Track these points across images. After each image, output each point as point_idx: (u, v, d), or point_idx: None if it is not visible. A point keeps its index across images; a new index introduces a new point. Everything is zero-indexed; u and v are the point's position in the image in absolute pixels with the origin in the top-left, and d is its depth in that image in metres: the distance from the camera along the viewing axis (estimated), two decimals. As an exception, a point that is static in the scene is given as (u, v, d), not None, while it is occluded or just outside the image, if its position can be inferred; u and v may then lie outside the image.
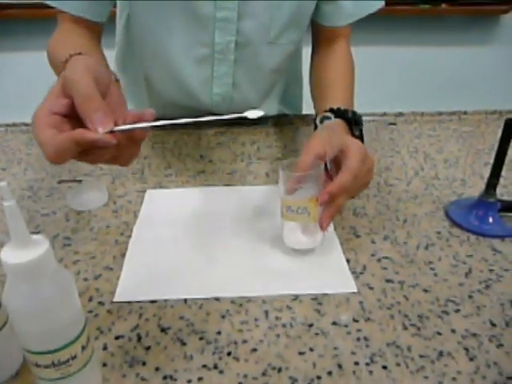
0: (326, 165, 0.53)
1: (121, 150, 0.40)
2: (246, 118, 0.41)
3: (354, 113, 0.62)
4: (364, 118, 0.89)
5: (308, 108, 0.97)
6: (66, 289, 0.32)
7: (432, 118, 0.91)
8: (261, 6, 0.69)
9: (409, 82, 2.07)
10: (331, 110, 0.62)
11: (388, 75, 2.04)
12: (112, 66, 0.89)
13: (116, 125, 0.38)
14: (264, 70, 0.78)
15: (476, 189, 0.67)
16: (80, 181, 0.68)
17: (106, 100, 0.40)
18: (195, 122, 0.40)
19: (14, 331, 0.32)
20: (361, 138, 0.62)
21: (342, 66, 0.75)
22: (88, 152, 0.38)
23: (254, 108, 0.42)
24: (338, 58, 0.76)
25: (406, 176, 0.70)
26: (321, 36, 0.78)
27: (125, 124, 0.39)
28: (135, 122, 0.39)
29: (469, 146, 0.81)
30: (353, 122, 0.61)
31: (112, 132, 0.38)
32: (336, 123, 0.60)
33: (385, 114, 0.91)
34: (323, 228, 0.50)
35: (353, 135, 0.60)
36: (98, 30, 0.69)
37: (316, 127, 0.64)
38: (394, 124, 0.89)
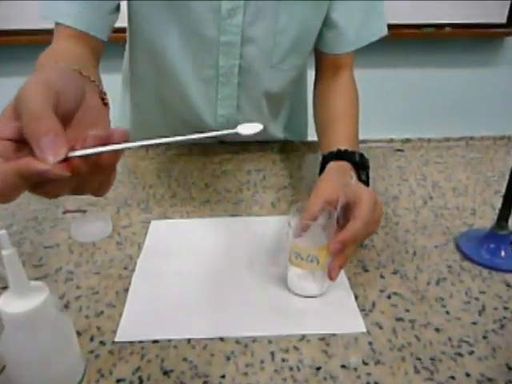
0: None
1: (85, 179, 0.33)
2: (237, 134, 0.36)
3: (362, 155, 0.62)
4: (371, 145, 0.90)
5: (313, 134, 0.97)
6: (66, 337, 0.31)
7: (439, 144, 0.90)
8: (264, 31, 0.69)
9: (414, 104, 2.07)
10: (338, 152, 0.62)
11: (392, 97, 2.05)
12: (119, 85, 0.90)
13: (73, 149, 0.31)
14: (268, 95, 0.78)
15: (487, 219, 0.66)
16: (85, 211, 0.68)
17: (74, 119, 0.34)
18: (170, 142, 0.34)
19: (11, 380, 0.31)
20: (367, 182, 0.61)
21: (346, 100, 0.75)
22: (43, 184, 0.32)
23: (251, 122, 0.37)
24: (342, 90, 0.76)
25: (415, 205, 0.69)
26: (323, 64, 0.78)
27: (85, 147, 0.31)
28: (101, 145, 0.31)
29: (478, 174, 0.79)
30: (360, 166, 0.61)
31: (67, 159, 0.30)
32: (344, 167, 0.60)
33: (392, 141, 0.90)
34: (332, 278, 0.49)
35: (359, 179, 0.60)
36: (98, 49, 0.65)
37: (322, 167, 0.63)
38: (402, 150, 0.88)
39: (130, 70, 0.85)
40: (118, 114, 0.92)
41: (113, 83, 0.92)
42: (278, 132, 0.89)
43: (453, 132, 1.07)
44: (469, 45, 1.98)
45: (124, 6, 0.71)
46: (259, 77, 0.75)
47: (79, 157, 0.31)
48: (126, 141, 0.33)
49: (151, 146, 0.34)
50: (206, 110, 0.78)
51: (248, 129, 0.35)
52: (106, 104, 0.44)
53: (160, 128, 0.86)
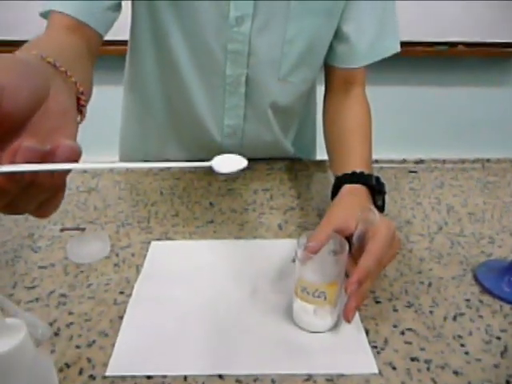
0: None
1: (19, 199, 0.28)
2: (211, 169, 0.30)
3: (378, 179, 0.59)
4: (383, 165, 0.87)
5: (322, 153, 0.94)
6: (45, 381, 0.28)
7: (454, 166, 0.87)
8: (272, 41, 0.67)
9: (426, 123, 2.03)
10: (353, 174, 0.59)
11: (405, 116, 2.02)
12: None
13: None
14: (275, 107, 0.75)
15: (506, 248, 0.62)
16: (83, 229, 0.65)
17: (29, 124, 0.29)
18: (132, 167, 0.30)
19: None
20: (382, 207, 0.58)
21: (358, 117, 0.72)
22: None
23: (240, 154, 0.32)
24: (354, 107, 0.73)
25: (429, 231, 0.66)
26: (334, 79, 0.75)
27: (14, 162, 0.26)
28: (38, 161, 0.26)
29: (495, 198, 0.76)
30: (376, 191, 0.58)
31: None
32: (360, 190, 0.57)
33: (404, 161, 0.87)
34: (349, 321, 0.45)
35: (374, 204, 0.57)
36: (94, 44, 0.60)
37: (335, 189, 0.60)
38: (415, 172, 0.84)
39: (132, 80, 0.82)
40: (124, 124, 0.89)
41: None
42: (288, 148, 0.86)
43: (466, 152, 1.03)
44: (483, 63, 1.96)
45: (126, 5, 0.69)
46: (267, 88, 0.72)
47: (4, 174, 0.25)
48: (75, 159, 0.27)
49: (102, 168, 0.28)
50: (213, 121, 0.76)
51: (227, 165, 0.28)
52: (82, 106, 0.39)
53: (165, 141, 0.84)
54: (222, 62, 0.69)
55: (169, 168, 0.29)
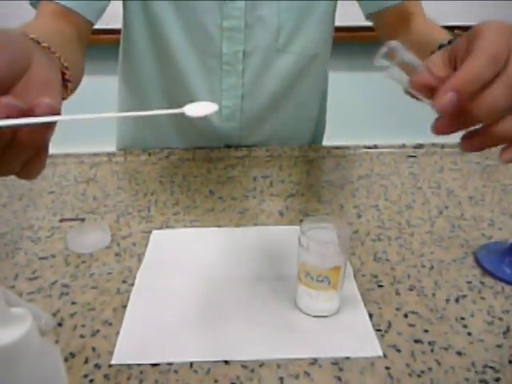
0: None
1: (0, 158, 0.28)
2: (184, 115, 0.30)
3: None
4: (381, 150, 0.86)
5: (327, 140, 0.94)
6: (52, 370, 0.28)
7: (453, 150, 0.87)
8: (268, 10, 0.67)
9: (425, 108, 2.02)
10: (449, 42, 0.47)
11: (403, 101, 2.01)
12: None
13: None
14: (274, 80, 0.75)
15: (506, 231, 0.62)
16: (83, 219, 0.65)
17: (10, 93, 0.28)
18: (99, 117, 0.29)
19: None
20: None
21: (432, 25, 0.61)
22: None
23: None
24: (422, 27, 0.61)
25: (430, 215, 0.66)
26: (389, 21, 0.68)
27: None
28: (18, 116, 0.26)
29: (494, 182, 0.76)
30: None
31: None
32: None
33: (404, 146, 0.87)
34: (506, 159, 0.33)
35: None
36: (84, 31, 0.61)
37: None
38: (414, 156, 0.84)
39: (127, 68, 0.81)
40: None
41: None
42: (288, 134, 0.85)
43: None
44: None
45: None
46: (265, 61, 0.72)
47: None
48: (54, 114, 0.27)
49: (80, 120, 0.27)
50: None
51: (198, 108, 0.27)
52: (68, 81, 0.39)
53: (164, 129, 0.83)
54: (218, 40, 0.68)
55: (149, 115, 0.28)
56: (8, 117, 0.25)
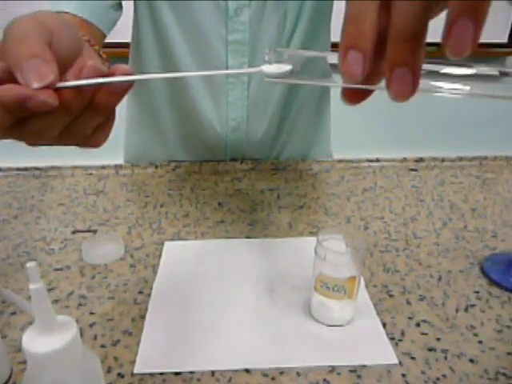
0: None
1: (77, 120, 0.29)
2: (262, 73, 0.29)
3: None
4: (384, 164, 0.89)
5: (336, 154, 0.95)
6: (93, 376, 0.29)
7: (453, 164, 0.89)
8: (272, 22, 0.69)
9: (422, 122, 2.07)
10: None
11: (402, 117, 2.05)
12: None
13: (64, 80, 0.27)
14: (279, 91, 0.77)
15: (510, 242, 0.64)
16: (95, 230, 0.66)
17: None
18: (181, 76, 0.32)
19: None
20: None
21: None
22: (24, 123, 0.28)
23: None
24: None
25: (435, 227, 0.67)
26: None
27: (79, 79, 0.27)
28: (98, 77, 0.28)
29: (495, 194, 0.78)
30: None
31: (57, 89, 0.26)
32: None
33: (405, 160, 0.89)
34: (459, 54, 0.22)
35: None
36: (98, 41, 0.62)
37: None
38: (416, 170, 0.86)
39: (135, 83, 0.83)
40: (128, 129, 0.90)
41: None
42: (295, 146, 0.87)
43: (463, 151, 1.06)
44: (474, 62, 2.00)
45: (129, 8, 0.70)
46: None
47: (71, 88, 0.26)
48: (130, 82, 0.29)
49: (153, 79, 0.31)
50: (217, 116, 0.77)
51: (273, 68, 0.28)
52: (106, 60, 0.42)
53: (171, 144, 0.85)
54: (223, 54, 0.71)
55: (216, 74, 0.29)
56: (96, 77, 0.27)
